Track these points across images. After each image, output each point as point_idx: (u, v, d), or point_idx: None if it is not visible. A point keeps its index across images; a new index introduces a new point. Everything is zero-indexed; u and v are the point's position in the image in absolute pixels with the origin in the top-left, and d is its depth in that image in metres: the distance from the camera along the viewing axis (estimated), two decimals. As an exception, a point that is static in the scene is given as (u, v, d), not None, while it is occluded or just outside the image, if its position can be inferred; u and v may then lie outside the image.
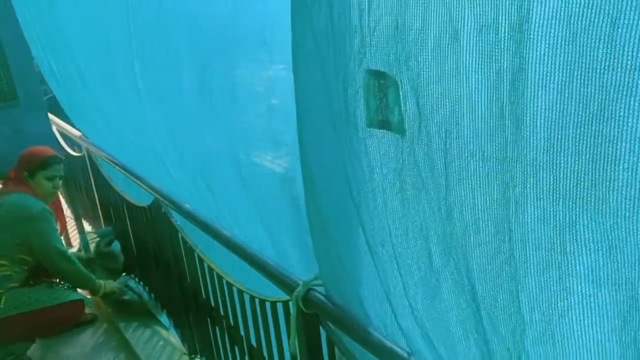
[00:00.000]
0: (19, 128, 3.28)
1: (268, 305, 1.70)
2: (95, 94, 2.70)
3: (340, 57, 0.80)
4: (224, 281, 1.99)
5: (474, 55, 0.63)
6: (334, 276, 1.25)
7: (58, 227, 2.88)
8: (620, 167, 0.57)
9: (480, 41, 0.62)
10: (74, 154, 3.55)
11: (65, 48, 2.70)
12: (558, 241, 0.67)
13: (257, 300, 1.76)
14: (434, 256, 0.88)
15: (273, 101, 1.60)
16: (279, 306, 1.63)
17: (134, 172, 2.53)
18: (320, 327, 1.44)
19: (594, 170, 0.59)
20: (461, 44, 0.64)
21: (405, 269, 0.96)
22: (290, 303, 1.47)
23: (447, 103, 0.69)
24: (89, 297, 2.92)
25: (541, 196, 0.66)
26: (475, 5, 0.61)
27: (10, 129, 3.25)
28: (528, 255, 0.72)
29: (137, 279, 3.19)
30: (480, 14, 0.61)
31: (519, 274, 0.74)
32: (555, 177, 0.63)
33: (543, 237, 0.69)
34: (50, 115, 3.65)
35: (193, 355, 2.56)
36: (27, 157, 2.89)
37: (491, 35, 0.61)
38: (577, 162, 0.60)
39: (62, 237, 2.88)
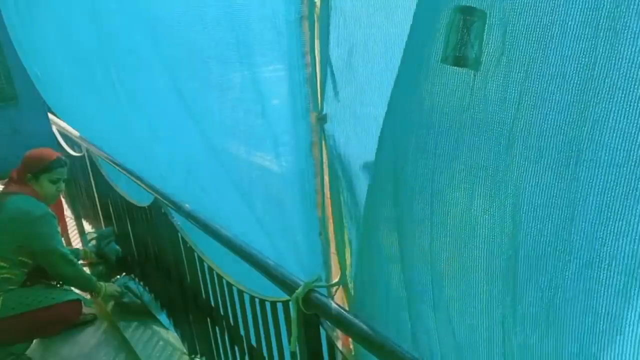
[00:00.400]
0: (19, 128, 3.28)
1: (268, 305, 1.71)
2: (79, 99, 2.70)
3: None
4: (224, 281, 2.00)
5: None
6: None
7: (59, 229, 2.87)
8: None
9: None
10: (74, 154, 3.55)
11: (48, 56, 2.70)
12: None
13: (257, 300, 1.77)
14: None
15: (255, 101, 1.60)
16: (279, 306, 1.63)
17: (134, 172, 2.53)
18: (320, 327, 1.43)
19: None
20: None
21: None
22: (290, 303, 1.46)
23: (539, 29, 0.74)
24: (87, 297, 2.91)
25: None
26: None
27: (10, 129, 3.25)
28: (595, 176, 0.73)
29: (137, 279, 3.19)
30: None
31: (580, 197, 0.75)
32: None
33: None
34: (50, 115, 3.65)
35: (193, 355, 2.56)
36: (32, 159, 2.88)
37: None
38: None
39: (63, 239, 2.86)
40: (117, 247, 3.21)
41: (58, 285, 2.82)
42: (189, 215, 2.05)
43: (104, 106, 2.43)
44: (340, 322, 1.29)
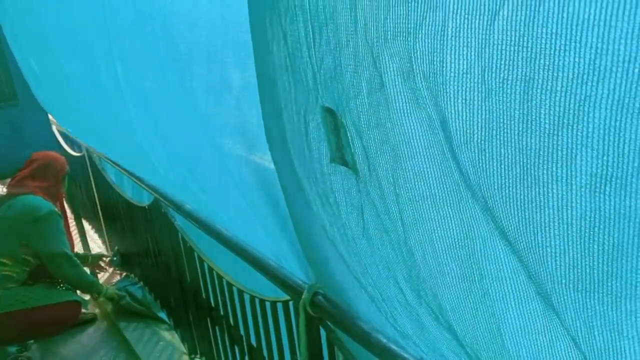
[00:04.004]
0: (19, 128, 3.29)
1: (268, 305, 1.72)
2: (79, 94, 2.70)
3: (300, 91, 0.79)
4: (224, 281, 2.02)
5: (403, 102, 0.61)
6: (335, 293, 1.24)
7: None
8: (552, 234, 0.55)
9: (405, 88, 0.60)
10: (74, 154, 3.57)
11: (47, 49, 2.71)
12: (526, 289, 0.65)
13: (257, 300, 1.78)
14: (407, 294, 0.87)
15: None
16: (279, 306, 1.64)
17: (134, 172, 2.53)
18: (321, 328, 1.43)
19: (526, 236, 0.57)
20: (387, 90, 0.62)
21: (388, 301, 0.96)
22: (291, 303, 1.46)
23: (389, 148, 0.67)
24: (86, 298, 2.92)
25: (495, 248, 0.65)
26: (393, 53, 0.59)
27: (10, 129, 3.26)
28: (496, 298, 0.70)
29: (137, 280, 3.19)
30: (399, 61, 0.59)
31: (496, 314, 0.72)
32: (500, 233, 0.61)
33: (507, 283, 0.67)
34: (50, 116, 3.65)
35: (193, 355, 2.58)
36: (61, 161, 3.05)
37: (410, 84, 0.59)
38: (511, 226, 0.58)
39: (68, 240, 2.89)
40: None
41: (60, 287, 2.83)
42: (189, 215, 2.05)
43: (105, 99, 2.42)
44: (342, 323, 1.28)
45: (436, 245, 0.72)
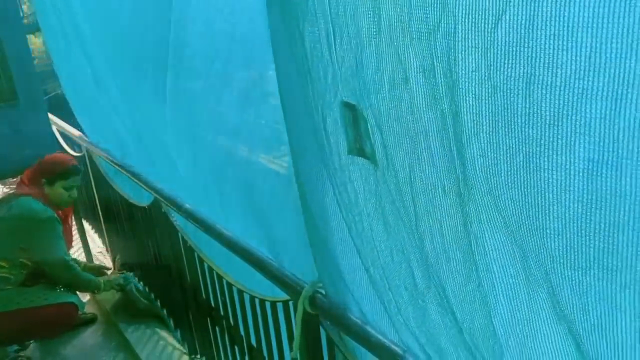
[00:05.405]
0: (19, 128, 3.32)
1: (268, 305, 1.76)
2: (109, 92, 2.72)
3: (318, 87, 0.86)
4: (224, 281, 2.05)
5: (422, 96, 0.68)
6: (337, 288, 1.29)
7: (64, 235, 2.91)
8: (551, 216, 0.61)
9: (425, 84, 0.67)
10: (74, 154, 3.62)
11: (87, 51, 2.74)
12: (522, 274, 0.71)
13: (257, 300, 1.81)
14: (417, 279, 0.93)
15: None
16: (279, 306, 1.68)
17: (134, 172, 2.57)
18: (321, 327, 1.46)
19: (528, 219, 0.64)
20: (411, 85, 0.69)
21: (395, 289, 1.01)
22: (291, 303, 1.50)
23: (407, 140, 0.74)
24: (84, 300, 2.94)
25: (495, 234, 0.70)
26: (417, 49, 0.66)
27: (10, 129, 3.29)
28: (495, 284, 0.76)
29: (137, 279, 3.23)
30: (421, 57, 0.66)
31: (489, 300, 0.78)
32: (503, 219, 0.67)
33: (505, 269, 0.73)
34: (50, 115, 3.70)
35: (193, 355, 2.62)
36: (49, 164, 2.96)
37: (431, 79, 0.65)
38: (513, 209, 0.65)
39: (66, 245, 2.89)
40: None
41: (59, 289, 2.84)
42: (189, 215, 2.08)
43: (142, 100, 2.43)
44: (341, 322, 1.31)
45: (444, 233, 0.79)
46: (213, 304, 2.27)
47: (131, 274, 3.22)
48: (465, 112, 0.62)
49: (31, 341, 2.87)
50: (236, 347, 2.18)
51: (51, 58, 3.19)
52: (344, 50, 0.74)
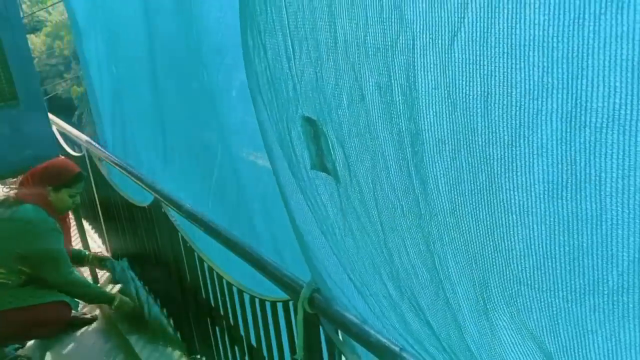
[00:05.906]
0: (19, 128, 3.33)
1: (268, 305, 1.76)
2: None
3: (281, 99, 0.84)
4: (224, 281, 2.05)
5: (379, 114, 0.66)
6: (329, 288, 1.28)
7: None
8: (515, 239, 0.59)
9: (381, 102, 0.65)
10: (74, 154, 3.63)
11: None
12: (480, 297, 0.70)
13: (257, 300, 1.81)
14: (391, 291, 0.92)
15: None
16: (279, 306, 1.67)
17: (134, 172, 2.58)
18: (320, 327, 1.46)
19: (493, 240, 0.62)
20: (367, 102, 0.67)
21: (375, 297, 1.00)
22: (291, 303, 1.49)
23: (368, 157, 0.72)
24: (76, 300, 2.94)
25: (457, 256, 0.69)
26: (372, 66, 0.64)
27: (10, 129, 3.30)
28: (461, 305, 0.75)
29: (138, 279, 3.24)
30: (377, 74, 0.64)
31: (458, 318, 0.77)
32: (464, 240, 0.66)
33: (466, 291, 0.72)
34: (50, 115, 3.71)
35: (193, 356, 2.62)
36: (56, 171, 2.95)
37: (387, 97, 0.63)
38: (477, 229, 0.63)
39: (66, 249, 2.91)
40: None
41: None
42: (189, 215, 2.09)
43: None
44: (341, 322, 1.31)
45: (409, 250, 0.77)
46: (213, 304, 2.27)
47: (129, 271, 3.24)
48: (426, 130, 0.60)
49: (28, 341, 2.88)
50: (236, 347, 2.18)
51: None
52: (303, 65, 0.72)
